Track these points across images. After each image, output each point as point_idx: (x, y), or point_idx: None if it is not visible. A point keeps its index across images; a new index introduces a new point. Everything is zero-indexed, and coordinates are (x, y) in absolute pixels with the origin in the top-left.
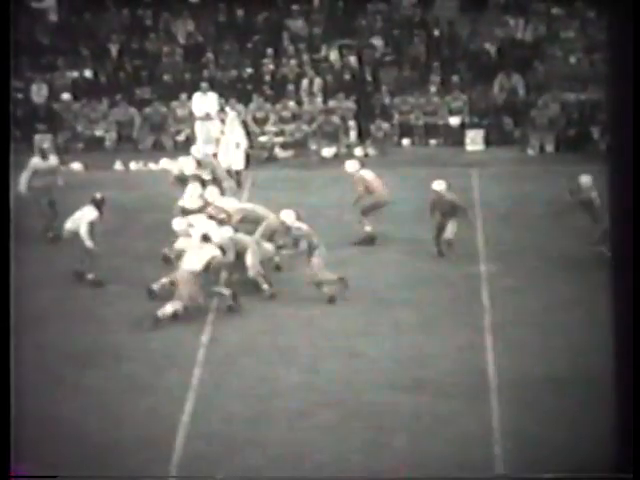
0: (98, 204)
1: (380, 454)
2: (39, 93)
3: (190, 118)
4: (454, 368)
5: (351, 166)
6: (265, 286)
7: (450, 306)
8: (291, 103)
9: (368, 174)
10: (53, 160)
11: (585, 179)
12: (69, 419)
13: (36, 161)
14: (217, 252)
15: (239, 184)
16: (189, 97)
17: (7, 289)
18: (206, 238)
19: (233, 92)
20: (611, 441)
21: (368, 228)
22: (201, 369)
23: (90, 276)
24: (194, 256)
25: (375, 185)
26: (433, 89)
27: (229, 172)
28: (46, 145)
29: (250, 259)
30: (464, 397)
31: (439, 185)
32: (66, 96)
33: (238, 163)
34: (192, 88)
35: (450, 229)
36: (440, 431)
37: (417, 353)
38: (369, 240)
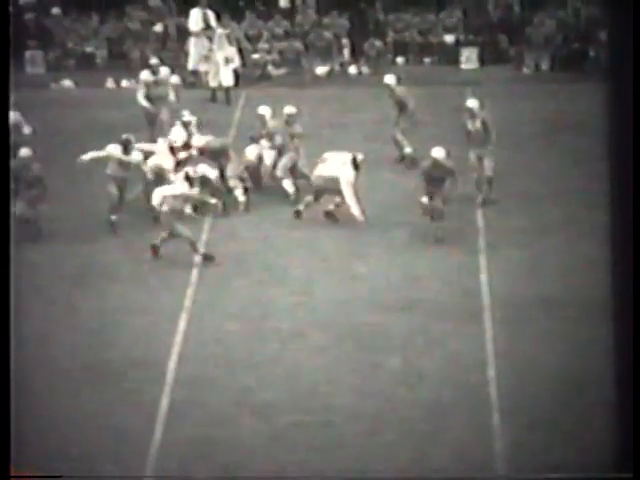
0: None
1: (373, 375)
2: None
3: (169, 37)
4: (447, 289)
5: (390, 79)
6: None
7: (444, 227)
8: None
9: (403, 90)
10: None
11: (473, 103)
12: (62, 341)
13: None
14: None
15: (228, 101)
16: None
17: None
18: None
19: (226, 9)
20: (611, 439)
21: (408, 149)
22: (194, 290)
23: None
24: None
25: (410, 100)
26: (427, 6)
27: (220, 88)
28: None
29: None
30: (457, 318)
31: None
32: (56, 10)
33: (227, 80)
34: (184, 5)
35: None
36: (433, 351)
37: (410, 274)
38: (410, 162)
